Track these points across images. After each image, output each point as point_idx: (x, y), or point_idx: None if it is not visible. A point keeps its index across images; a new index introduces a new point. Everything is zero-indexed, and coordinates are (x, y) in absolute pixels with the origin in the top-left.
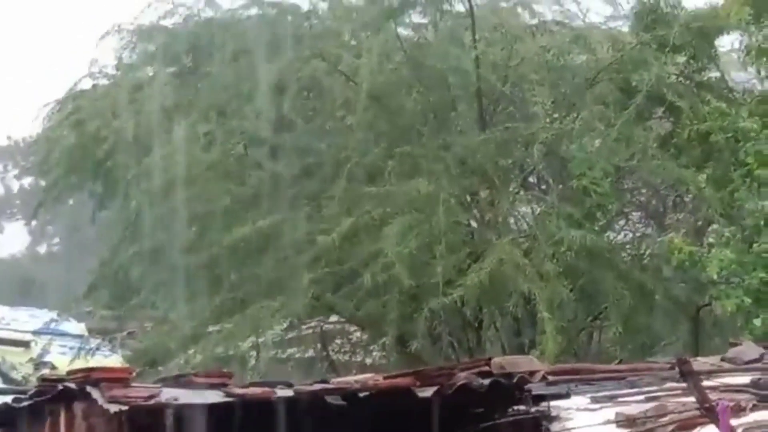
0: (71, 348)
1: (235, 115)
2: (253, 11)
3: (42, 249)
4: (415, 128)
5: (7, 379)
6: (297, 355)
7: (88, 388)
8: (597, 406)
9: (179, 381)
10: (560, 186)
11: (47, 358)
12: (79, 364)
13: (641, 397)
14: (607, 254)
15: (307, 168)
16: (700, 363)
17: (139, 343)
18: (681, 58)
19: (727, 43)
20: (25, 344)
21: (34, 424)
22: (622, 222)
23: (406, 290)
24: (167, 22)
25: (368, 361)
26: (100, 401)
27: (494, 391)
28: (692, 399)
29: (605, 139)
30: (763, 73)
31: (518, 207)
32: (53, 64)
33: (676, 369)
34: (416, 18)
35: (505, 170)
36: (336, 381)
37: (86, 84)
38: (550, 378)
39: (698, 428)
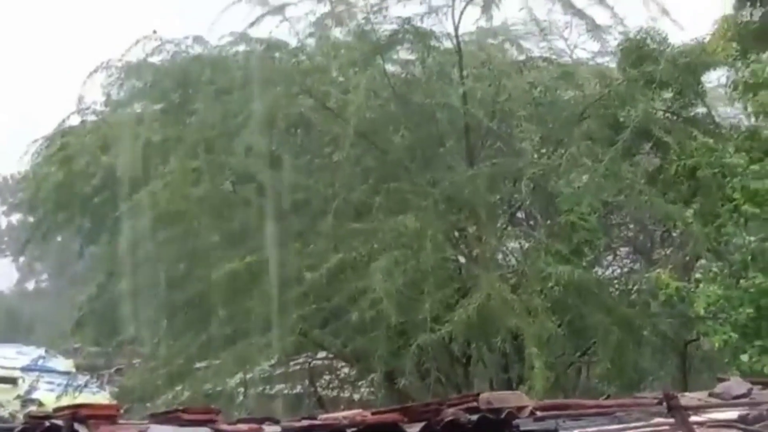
0: (59, 385)
1: (222, 152)
2: (241, 47)
3: (30, 285)
4: (402, 164)
5: None
6: (285, 392)
7: (76, 425)
8: None
9: (167, 417)
10: (548, 221)
11: (34, 395)
12: (67, 400)
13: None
14: (594, 290)
15: (294, 204)
16: (687, 398)
17: (126, 380)
18: (668, 94)
19: (714, 78)
20: (13, 381)
21: None
22: (609, 257)
23: (393, 326)
24: (155, 59)
25: (356, 397)
26: None
27: (482, 427)
28: None
29: (592, 175)
30: (749, 108)
31: (506, 242)
32: (42, 100)
33: (664, 404)
34: (404, 54)
35: (493, 206)
36: (323, 417)
37: (74, 120)
38: (538, 413)
39: None
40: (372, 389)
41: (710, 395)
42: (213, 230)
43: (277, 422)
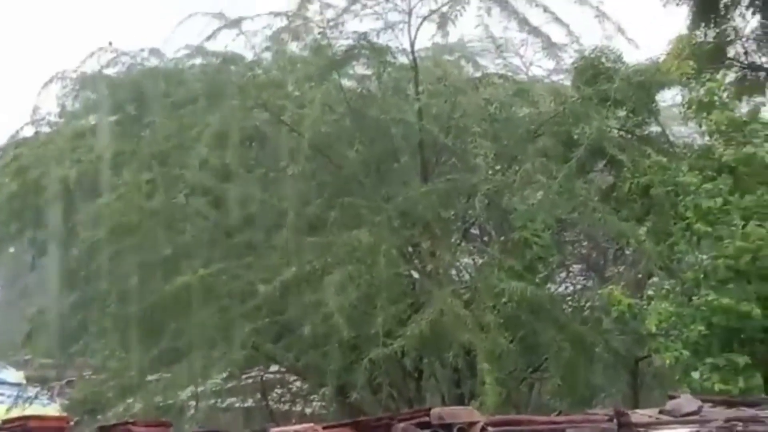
0: (9, 396)
1: (177, 164)
2: (197, 61)
3: None
4: (357, 179)
5: None
6: (237, 405)
7: None
8: None
9: (117, 430)
10: (501, 237)
11: None
12: (17, 412)
13: None
14: (547, 306)
15: (248, 217)
16: (638, 415)
17: (77, 392)
18: (622, 112)
19: (668, 98)
20: None
21: None
22: (562, 274)
23: (346, 340)
24: (110, 71)
25: (308, 410)
26: None
27: None
28: None
29: (546, 192)
30: (703, 127)
31: (459, 258)
32: None
33: (615, 421)
34: (360, 69)
35: (447, 221)
36: (275, 431)
37: (28, 131)
38: (490, 429)
39: None
40: (324, 403)
41: (661, 412)
42: (166, 243)
43: None
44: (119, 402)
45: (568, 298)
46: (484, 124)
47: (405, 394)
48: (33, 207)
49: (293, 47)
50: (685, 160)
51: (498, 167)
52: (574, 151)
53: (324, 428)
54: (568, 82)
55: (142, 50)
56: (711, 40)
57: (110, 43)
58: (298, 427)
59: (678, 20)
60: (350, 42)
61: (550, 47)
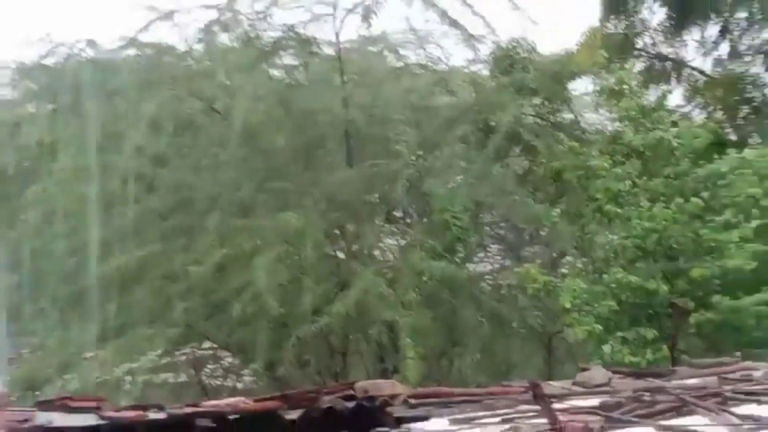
0: None
1: (112, 151)
2: (131, 51)
3: None
4: (285, 164)
5: None
6: (170, 380)
7: None
8: (456, 428)
9: (55, 405)
10: (423, 220)
11: None
12: None
13: (497, 419)
14: (466, 284)
15: (182, 202)
16: (551, 387)
17: (18, 369)
18: (537, 100)
19: (581, 86)
20: None
21: None
22: (481, 254)
23: (275, 318)
24: (48, 61)
25: (239, 385)
26: None
27: (358, 414)
28: (544, 420)
29: (465, 176)
30: (613, 114)
31: (383, 239)
32: None
33: (530, 393)
34: (288, 60)
35: (371, 205)
36: (207, 404)
37: None
38: (412, 401)
39: None
40: (254, 378)
41: (573, 384)
42: (102, 226)
43: (161, 408)
44: (58, 378)
45: (487, 276)
46: (406, 112)
47: (331, 368)
48: None
49: (224, 39)
50: (596, 145)
51: (420, 153)
52: (491, 137)
53: (254, 401)
54: (485, 72)
55: (79, 41)
56: (621, 32)
57: (48, 34)
58: (229, 400)
59: (590, 13)
60: (278, 34)
61: (469, 39)
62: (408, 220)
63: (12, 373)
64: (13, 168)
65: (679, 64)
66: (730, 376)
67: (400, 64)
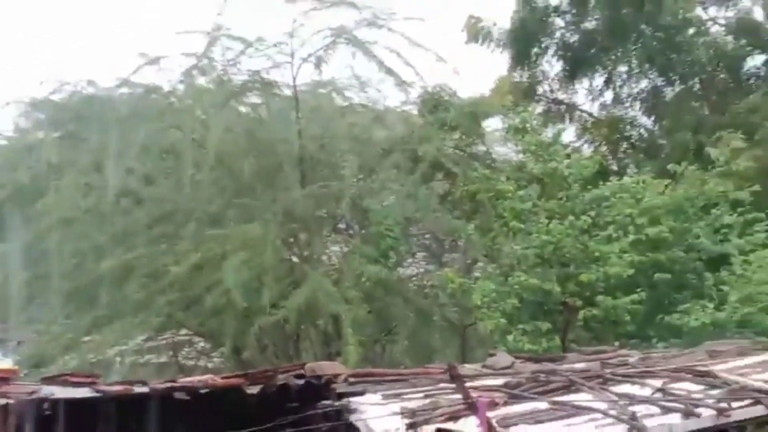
0: None
1: (108, 172)
2: (125, 90)
3: None
4: (250, 185)
5: None
6: (153, 361)
7: None
8: (386, 401)
9: (57, 380)
10: (362, 231)
11: None
12: None
13: (420, 394)
14: (397, 284)
15: (164, 214)
16: (465, 369)
17: (27, 350)
18: (456, 136)
19: (492, 124)
20: None
21: None
22: (409, 260)
23: (240, 311)
24: (55, 97)
25: (210, 365)
26: None
27: (307, 389)
28: (459, 396)
29: (397, 196)
30: (518, 147)
31: (330, 247)
32: None
33: (447, 374)
34: (253, 99)
35: (320, 219)
36: (183, 380)
37: None
38: (351, 380)
39: (463, 419)
40: (222, 360)
41: (483, 366)
42: (99, 233)
43: (145, 384)
44: (60, 358)
45: (413, 278)
46: (349, 143)
47: (286, 352)
48: None
49: (201, 81)
50: (504, 172)
51: (360, 177)
52: (418, 165)
53: (221, 378)
54: (415, 112)
55: (81, 80)
56: (525, 80)
57: (55, 74)
58: (201, 377)
59: (500, 65)
60: (245, 77)
61: (401, 84)
62: (350, 232)
63: (22, 354)
64: (26, 183)
65: (572, 108)
66: (610, 361)
67: (345, 103)
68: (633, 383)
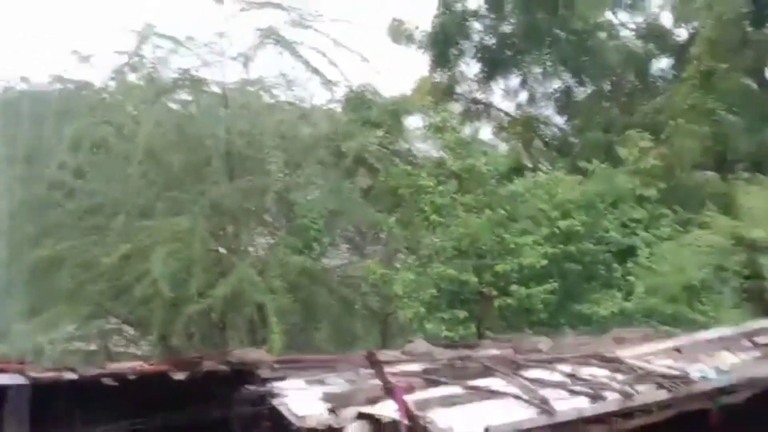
0: None
1: (41, 164)
2: (57, 86)
3: None
4: (179, 178)
5: None
6: (83, 348)
7: None
8: (309, 386)
9: None
10: (288, 224)
11: None
12: None
13: (342, 380)
14: (320, 275)
15: (95, 206)
16: (385, 355)
17: None
18: (379, 133)
19: (413, 123)
20: None
21: None
22: (333, 251)
23: (168, 300)
24: None
25: (138, 353)
26: None
27: (232, 376)
28: (378, 382)
29: (322, 190)
30: (437, 144)
31: (256, 239)
32: None
33: (367, 360)
34: (183, 96)
35: (247, 211)
36: (112, 366)
37: None
38: (275, 366)
39: (381, 403)
40: (151, 347)
41: (402, 353)
42: (32, 225)
43: (74, 371)
44: None
45: (337, 268)
46: (276, 139)
47: (213, 340)
48: None
49: (132, 78)
50: (424, 168)
51: (286, 171)
52: (342, 160)
53: (149, 365)
54: (339, 109)
55: (15, 77)
56: (444, 81)
57: None
58: (130, 364)
59: (421, 65)
60: (176, 75)
61: (327, 83)
62: (276, 224)
63: None
64: None
65: (489, 107)
66: (523, 348)
67: (272, 101)
68: (544, 369)
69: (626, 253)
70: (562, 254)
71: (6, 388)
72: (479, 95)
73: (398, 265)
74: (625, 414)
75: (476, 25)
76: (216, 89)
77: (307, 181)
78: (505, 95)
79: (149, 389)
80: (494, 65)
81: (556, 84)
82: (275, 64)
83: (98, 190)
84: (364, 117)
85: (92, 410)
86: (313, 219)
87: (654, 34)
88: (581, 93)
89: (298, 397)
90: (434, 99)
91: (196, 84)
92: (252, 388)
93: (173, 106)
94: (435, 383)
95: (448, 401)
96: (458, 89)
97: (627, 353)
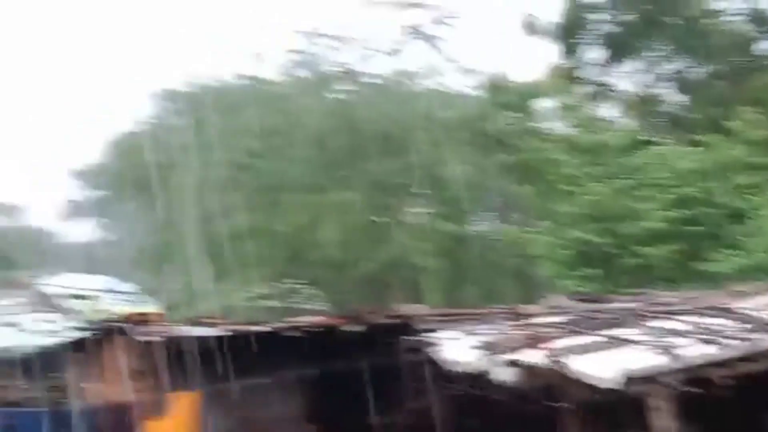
0: (126, 300)
1: (229, 149)
2: (242, 82)
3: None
4: (343, 158)
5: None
6: (270, 305)
7: (126, 327)
8: (463, 336)
9: (194, 321)
10: (438, 196)
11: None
12: (129, 309)
13: (490, 331)
14: (469, 240)
15: (273, 184)
16: (530, 308)
17: (168, 298)
18: (516, 114)
19: (545, 104)
20: (96, 298)
21: (98, 349)
22: (479, 219)
23: (337, 263)
24: (185, 89)
25: (315, 309)
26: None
27: (397, 326)
28: (524, 332)
29: (467, 166)
30: (569, 122)
31: (411, 209)
32: None
33: (513, 313)
34: (345, 86)
35: (403, 186)
36: (295, 321)
37: None
38: (432, 319)
39: (526, 350)
40: (328, 303)
41: (543, 307)
42: (222, 201)
43: (265, 324)
44: (195, 304)
45: (483, 234)
46: (425, 122)
47: (377, 297)
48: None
49: (300, 73)
50: (556, 144)
51: (435, 150)
52: (484, 139)
53: (328, 318)
54: (480, 94)
55: (200, 74)
56: (573, 66)
57: (185, 70)
58: (311, 318)
59: (550, 54)
60: (337, 69)
61: (467, 72)
62: (428, 197)
63: (164, 301)
64: (164, 161)
65: (612, 89)
66: (650, 301)
67: (420, 89)
68: (670, 319)
69: (741, 216)
70: (683, 218)
71: (208, 338)
72: (603, 78)
73: (536, 230)
74: (748, 359)
75: (599, 16)
76: (371, 80)
77: (454, 158)
78: (626, 77)
79: (324, 339)
80: (616, 51)
81: (673, 66)
82: (421, 56)
83: (275, 170)
84: (502, 101)
85: (277, 357)
86: (461, 191)
87: (759, 17)
88: (695, 73)
89: (452, 345)
90: (564, 83)
91: (354, 76)
92: (412, 338)
93: (336, 96)
94: (573, 333)
95: (586, 349)
96: (584, 74)
97: (746, 304)
